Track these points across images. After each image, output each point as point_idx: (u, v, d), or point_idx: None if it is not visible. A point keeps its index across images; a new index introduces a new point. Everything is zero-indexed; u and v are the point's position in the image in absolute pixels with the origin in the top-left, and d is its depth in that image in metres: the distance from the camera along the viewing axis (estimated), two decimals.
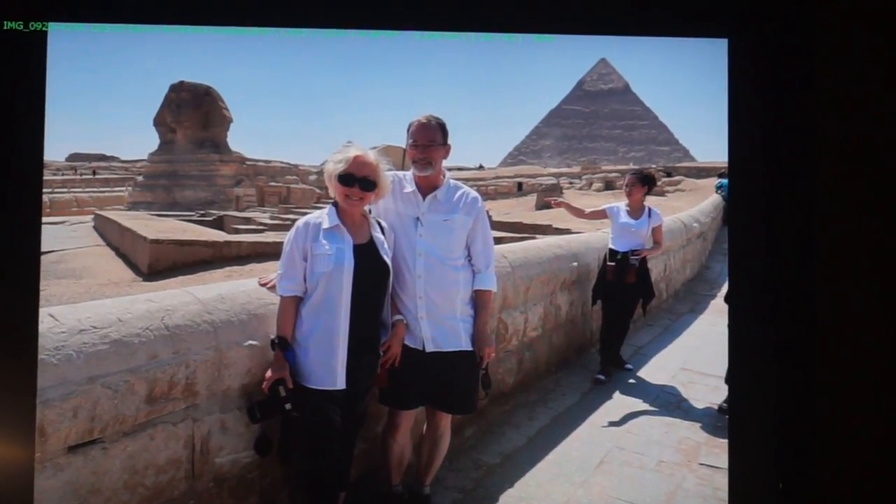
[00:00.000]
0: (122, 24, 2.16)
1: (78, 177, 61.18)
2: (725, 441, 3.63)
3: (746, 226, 2.34)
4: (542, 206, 33.56)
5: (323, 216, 3.45)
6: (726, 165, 2.48)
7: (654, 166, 57.76)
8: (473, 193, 3.88)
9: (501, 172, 71.12)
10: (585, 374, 7.03)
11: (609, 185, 46.48)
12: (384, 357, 3.58)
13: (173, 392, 3.01)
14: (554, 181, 46.46)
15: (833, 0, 2.17)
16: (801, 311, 2.24)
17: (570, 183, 52.87)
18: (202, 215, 32.24)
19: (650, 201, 7.54)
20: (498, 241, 5.08)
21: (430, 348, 3.72)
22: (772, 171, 2.28)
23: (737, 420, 2.45)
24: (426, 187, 3.78)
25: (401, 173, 3.83)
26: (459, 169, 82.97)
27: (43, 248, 2.61)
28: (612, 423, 5.70)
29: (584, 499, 4.34)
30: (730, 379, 3.85)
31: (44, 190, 2.22)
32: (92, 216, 32.25)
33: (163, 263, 17.65)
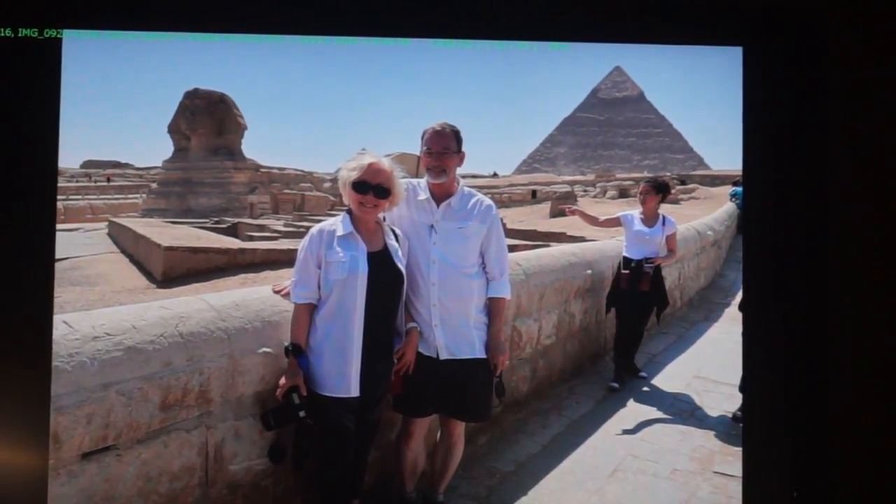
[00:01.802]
0: (136, 31, 2.17)
1: (92, 184, 61.55)
2: (739, 449, 3.61)
3: (760, 234, 2.33)
4: (557, 213, 33.56)
5: (337, 223, 3.45)
6: (741, 173, 2.47)
7: (668, 174, 57.62)
8: (487, 201, 3.88)
9: (516, 180, 70.99)
10: (599, 381, 7.02)
11: (623, 193, 46.40)
12: (398, 364, 3.59)
13: (187, 399, 3.02)
14: (568, 189, 46.37)
15: (844, 8, 2.16)
16: (814, 319, 2.23)
17: (585, 191, 52.80)
18: (216, 222, 32.32)
19: (664, 209, 7.54)
20: (512, 248, 5.07)
21: (443, 356, 3.71)
22: (786, 180, 2.27)
23: (751, 428, 2.43)
24: (440, 195, 3.78)
25: (415, 181, 3.83)
26: (474, 176, 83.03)
27: (57, 255, 2.62)
28: (626, 431, 5.69)
29: None
30: (744, 387, 3.83)
31: (58, 197, 2.22)
32: (106, 223, 32.37)
33: (177, 271, 17.71)
